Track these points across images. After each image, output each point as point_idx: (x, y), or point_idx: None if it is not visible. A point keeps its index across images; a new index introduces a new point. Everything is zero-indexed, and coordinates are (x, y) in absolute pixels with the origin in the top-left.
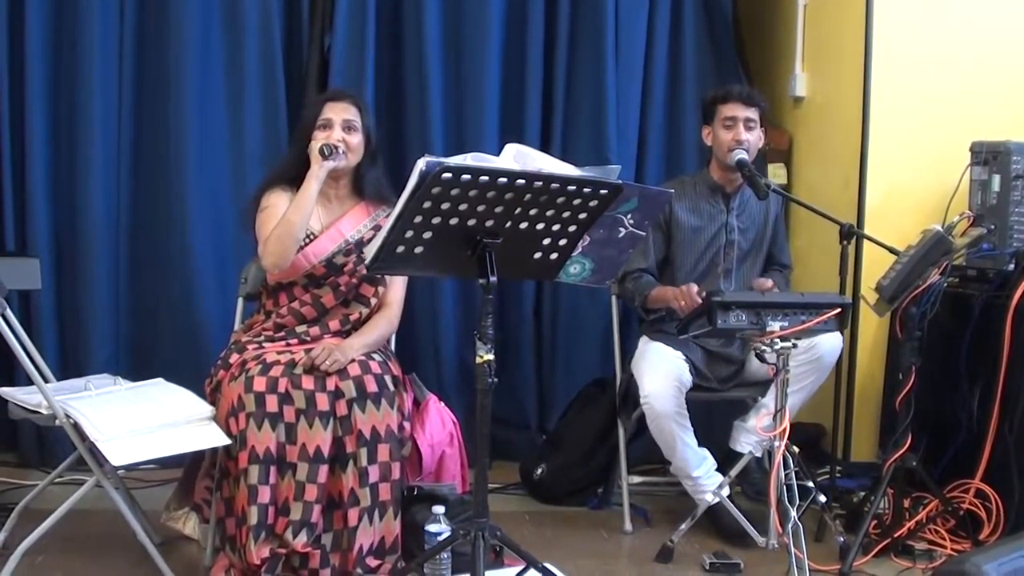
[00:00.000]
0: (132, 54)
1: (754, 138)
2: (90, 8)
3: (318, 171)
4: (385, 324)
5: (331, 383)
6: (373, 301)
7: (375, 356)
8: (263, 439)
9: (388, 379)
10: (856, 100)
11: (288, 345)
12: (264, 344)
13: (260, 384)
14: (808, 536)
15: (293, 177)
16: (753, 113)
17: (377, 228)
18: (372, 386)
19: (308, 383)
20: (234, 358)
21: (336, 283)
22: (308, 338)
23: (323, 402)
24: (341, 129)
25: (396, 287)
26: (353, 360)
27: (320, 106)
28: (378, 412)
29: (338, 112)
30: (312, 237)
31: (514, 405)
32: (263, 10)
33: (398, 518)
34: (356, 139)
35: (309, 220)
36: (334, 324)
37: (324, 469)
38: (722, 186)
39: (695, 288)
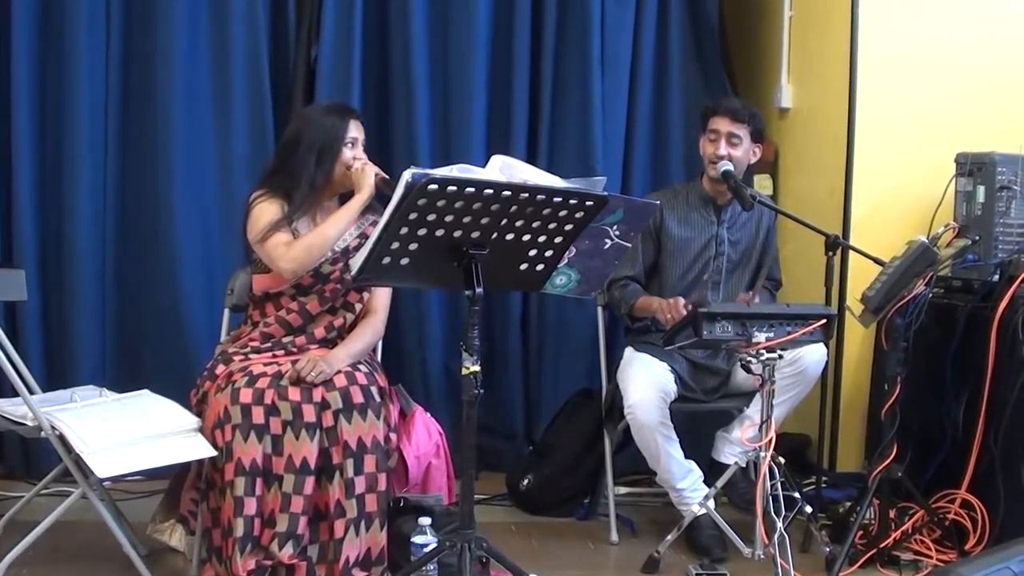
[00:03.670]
0: (119, 63)
1: (739, 153)
2: (76, 18)
3: (366, 198)
4: (370, 332)
5: (317, 394)
6: (359, 307)
7: (361, 367)
8: (249, 451)
9: (374, 390)
10: (841, 111)
11: (274, 356)
12: (250, 355)
13: (246, 396)
14: (794, 546)
15: (314, 190)
16: (740, 129)
17: (363, 236)
18: (358, 397)
19: (294, 394)
20: (220, 369)
21: (322, 290)
22: (294, 348)
23: (309, 413)
24: (361, 148)
25: (381, 293)
26: (339, 371)
27: (347, 122)
28: (364, 423)
29: (359, 131)
30: None
31: (501, 416)
32: (249, 20)
33: (384, 529)
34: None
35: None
36: (319, 332)
37: (310, 481)
38: (714, 198)
39: (682, 301)
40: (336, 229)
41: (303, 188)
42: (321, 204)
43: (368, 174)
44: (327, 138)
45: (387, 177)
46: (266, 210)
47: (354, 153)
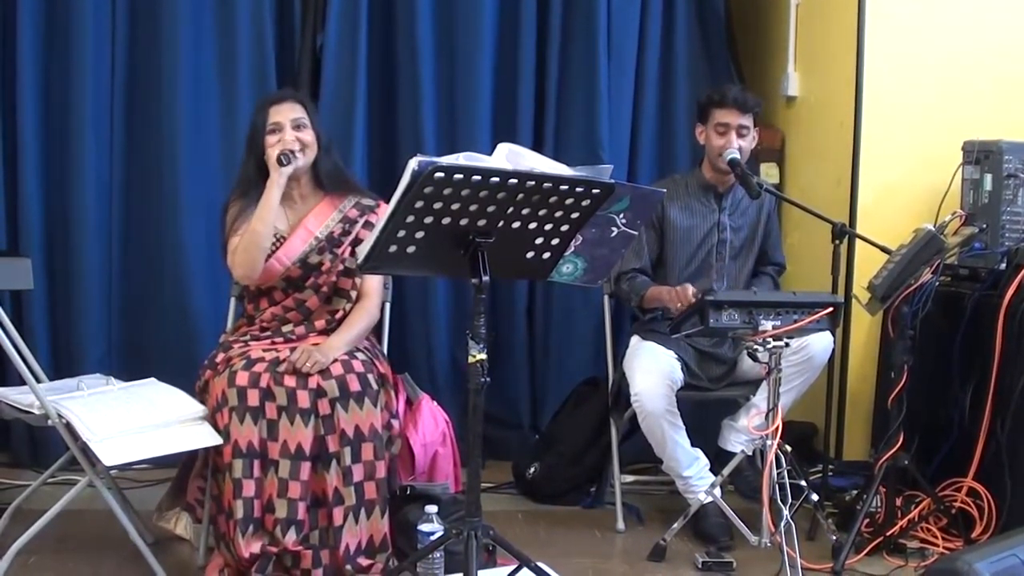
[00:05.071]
0: (124, 53)
1: (747, 143)
2: (82, 6)
3: (278, 179)
4: (365, 316)
5: (313, 381)
6: (354, 294)
7: (359, 355)
8: (245, 433)
9: (372, 378)
10: (848, 99)
11: (273, 343)
12: (250, 342)
13: (242, 379)
14: (800, 535)
15: (255, 186)
16: (747, 119)
17: (345, 220)
18: (355, 385)
19: (290, 380)
20: (220, 357)
21: (316, 284)
22: (294, 336)
23: (304, 400)
24: (292, 129)
25: (371, 277)
26: (336, 359)
27: (265, 111)
28: (361, 411)
29: (285, 113)
30: (281, 240)
31: (507, 404)
32: (255, 10)
33: (386, 517)
34: (309, 136)
35: (273, 228)
36: (320, 323)
37: (306, 466)
38: (714, 185)
39: (691, 289)
40: (263, 222)
41: (243, 184)
42: (284, 195)
43: (271, 155)
44: (252, 129)
45: (286, 151)
46: (229, 215)
47: (279, 138)
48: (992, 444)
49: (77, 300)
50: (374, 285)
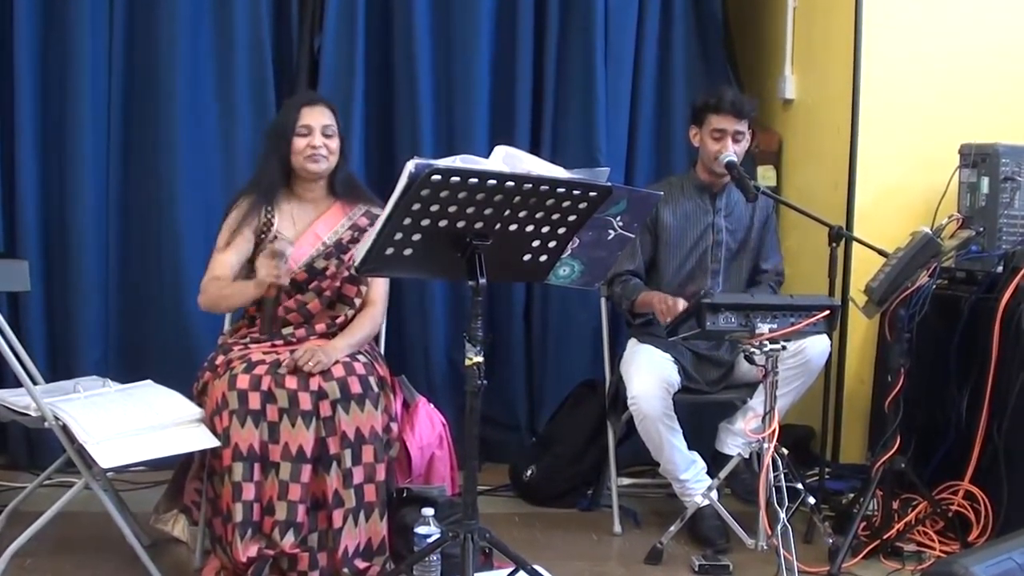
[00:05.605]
0: (122, 56)
1: (742, 148)
2: (79, 8)
3: (251, 295)
4: (369, 323)
5: (314, 383)
6: (357, 301)
7: (360, 357)
8: (246, 436)
9: (373, 380)
10: (845, 102)
11: (274, 346)
12: (250, 345)
13: (243, 382)
14: (797, 538)
15: (273, 185)
16: (742, 125)
17: (355, 228)
18: (356, 387)
19: (291, 382)
20: (220, 360)
21: (320, 287)
22: (294, 339)
23: (306, 401)
24: (321, 135)
25: (378, 285)
26: (337, 361)
27: (297, 111)
28: (362, 413)
29: (316, 118)
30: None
31: (504, 406)
32: (252, 10)
33: (384, 519)
34: (335, 144)
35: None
36: (320, 327)
37: (307, 469)
38: (709, 186)
39: (681, 305)
40: (239, 300)
41: (261, 180)
42: (296, 196)
43: (262, 278)
44: (279, 128)
45: (282, 287)
46: (232, 213)
47: (308, 141)
48: (989, 447)
49: (74, 302)
50: (380, 293)
